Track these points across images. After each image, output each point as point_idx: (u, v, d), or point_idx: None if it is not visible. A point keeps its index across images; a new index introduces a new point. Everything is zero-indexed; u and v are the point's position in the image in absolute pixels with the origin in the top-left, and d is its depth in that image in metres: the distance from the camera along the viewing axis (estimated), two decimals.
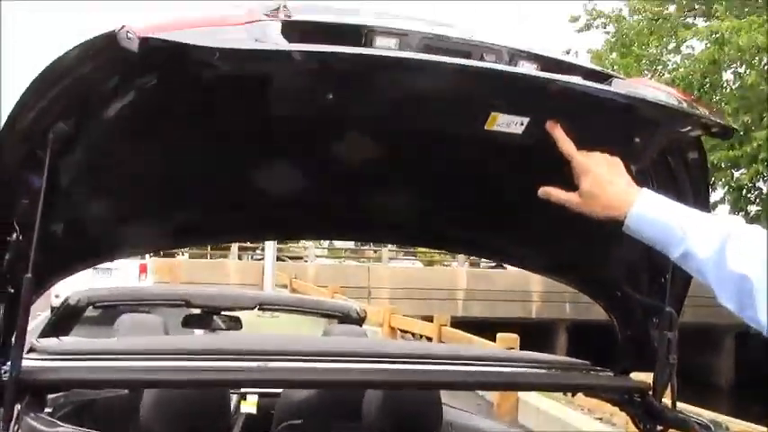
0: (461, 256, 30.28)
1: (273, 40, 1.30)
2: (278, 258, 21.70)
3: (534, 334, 15.32)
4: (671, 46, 19.36)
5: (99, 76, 1.41)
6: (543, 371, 2.30)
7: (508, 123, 1.55)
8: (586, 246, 2.19)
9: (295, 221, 2.07)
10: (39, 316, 4.03)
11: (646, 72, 18.34)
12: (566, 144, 1.50)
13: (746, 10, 16.50)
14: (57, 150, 1.46)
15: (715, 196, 17.35)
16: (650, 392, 2.19)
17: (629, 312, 2.23)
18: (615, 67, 17.15)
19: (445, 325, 11.41)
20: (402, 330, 12.70)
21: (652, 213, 1.40)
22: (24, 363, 1.64)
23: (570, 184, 1.48)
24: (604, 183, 1.44)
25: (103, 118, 1.48)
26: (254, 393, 2.46)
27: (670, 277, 2.04)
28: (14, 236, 1.52)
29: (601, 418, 7.71)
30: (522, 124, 1.55)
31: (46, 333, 2.86)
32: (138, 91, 1.44)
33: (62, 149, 1.48)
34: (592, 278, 2.31)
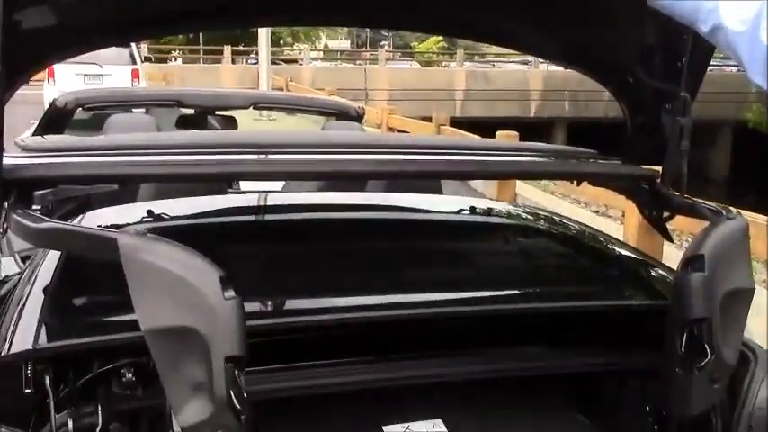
0: (459, 56, 29.74)
1: None
2: (272, 62, 21.22)
3: (533, 132, 15.31)
4: None
5: None
6: (550, 159, 2.24)
7: None
8: (599, 28, 2.05)
9: (294, 1, 1.90)
10: (33, 125, 3.97)
11: None
12: None
13: None
14: None
15: None
16: (659, 180, 2.14)
17: (641, 98, 2.13)
18: None
19: (444, 125, 11.40)
20: (400, 131, 12.69)
21: None
22: (9, 160, 1.57)
23: None
24: None
25: None
26: None
27: (687, 60, 1.93)
28: None
29: (597, 211, 7.85)
30: None
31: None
32: None
33: None
34: (603, 62, 2.19)
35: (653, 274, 2.24)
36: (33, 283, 1.76)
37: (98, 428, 1.48)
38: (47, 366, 1.49)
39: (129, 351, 1.42)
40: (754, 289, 1.79)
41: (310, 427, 1.95)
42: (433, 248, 2.32)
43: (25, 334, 1.52)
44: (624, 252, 2.52)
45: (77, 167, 1.65)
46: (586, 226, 2.68)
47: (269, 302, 1.88)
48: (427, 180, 2.66)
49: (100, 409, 1.50)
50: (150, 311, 1.35)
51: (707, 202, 2.03)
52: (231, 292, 1.36)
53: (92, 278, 1.65)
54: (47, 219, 1.49)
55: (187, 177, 1.83)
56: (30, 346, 1.48)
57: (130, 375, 1.50)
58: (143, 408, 1.55)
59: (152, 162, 1.72)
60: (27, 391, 1.48)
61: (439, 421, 2.03)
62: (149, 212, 2.17)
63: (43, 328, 1.55)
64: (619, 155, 2.24)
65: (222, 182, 2.26)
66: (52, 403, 1.46)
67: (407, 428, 1.99)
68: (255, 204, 2.42)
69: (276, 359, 1.68)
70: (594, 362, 2.01)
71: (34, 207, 1.62)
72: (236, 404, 1.34)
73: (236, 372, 1.35)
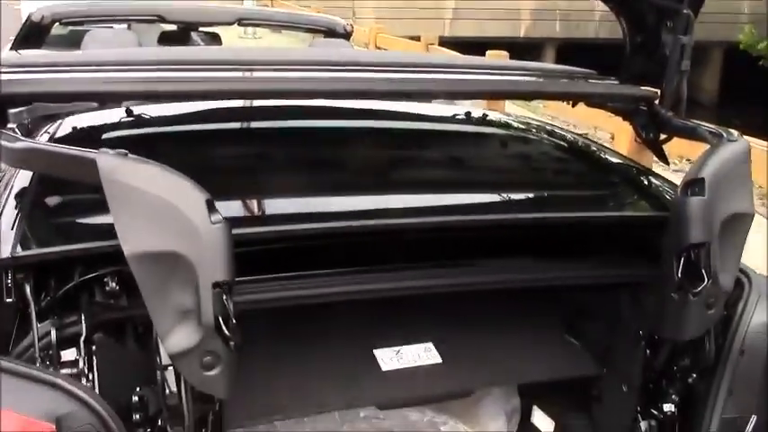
0: None
1: None
2: None
3: (524, 53, 15.09)
4: None
5: None
6: (546, 78, 2.16)
7: None
8: None
9: None
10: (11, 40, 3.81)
11: None
12: None
13: None
14: None
15: None
16: (657, 101, 2.08)
17: (642, 15, 2.05)
18: None
19: (433, 44, 11.17)
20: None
21: None
22: None
23: None
24: None
25: None
26: None
27: None
28: None
29: (586, 133, 7.77)
30: None
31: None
32: None
33: None
34: None
35: (654, 186, 2.18)
36: (11, 190, 1.68)
37: (82, 338, 1.44)
38: (27, 275, 1.44)
39: (112, 259, 1.36)
40: (753, 214, 1.75)
41: (301, 351, 1.93)
42: (427, 155, 2.25)
43: (4, 242, 1.46)
44: (626, 164, 2.45)
45: (53, 83, 1.57)
46: (587, 138, 2.60)
47: (252, 209, 1.82)
48: (419, 99, 2.58)
49: (83, 318, 1.45)
50: (133, 236, 1.30)
51: (708, 125, 1.98)
52: (218, 216, 1.31)
53: (73, 183, 1.57)
54: (21, 138, 1.42)
55: (169, 95, 1.74)
56: (8, 255, 1.41)
57: (114, 284, 1.45)
58: (128, 318, 1.51)
59: (132, 79, 1.63)
60: (8, 300, 1.43)
61: (430, 345, 2.02)
62: (130, 117, 2.07)
63: (23, 235, 1.49)
64: (615, 75, 2.17)
65: (207, 100, 2.16)
66: (34, 312, 1.41)
67: (398, 352, 1.98)
68: (240, 109, 2.33)
69: (263, 269, 1.63)
70: (590, 274, 1.97)
71: (9, 126, 1.54)
72: (225, 330, 1.31)
73: (225, 297, 1.31)
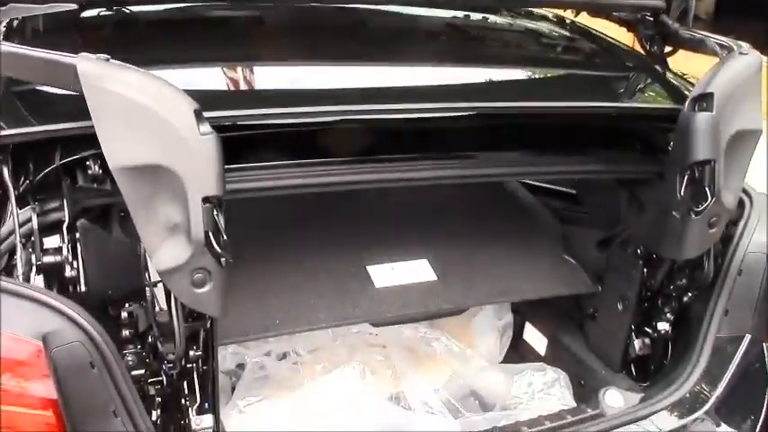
0: None
1: None
2: None
3: None
4: None
5: None
6: None
7: None
8: None
9: None
10: None
11: None
12: None
13: None
14: None
15: None
16: (664, 12, 1.99)
17: None
18: None
19: None
20: None
21: None
22: None
23: None
24: None
25: None
26: None
27: None
28: None
29: None
30: None
31: None
32: None
33: None
34: None
35: (668, 81, 2.04)
36: None
37: (65, 225, 1.38)
38: (5, 157, 1.36)
39: (94, 141, 1.26)
40: (761, 131, 1.69)
41: (293, 267, 1.89)
42: (432, 43, 2.13)
43: None
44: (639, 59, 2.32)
45: None
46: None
47: (244, 96, 1.71)
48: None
49: (66, 204, 1.38)
50: (118, 148, 1.23)
51: (717, 36, 1.89)
52: (207, 127, 1.24)
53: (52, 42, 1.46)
54: None
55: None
56: None
57: (97, 168, 1.36)
58: (113, 204, 1.43)
59: None
60: None
61: (425, 261, 1.98)
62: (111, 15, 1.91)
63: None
64: None
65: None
66: (13, 197, 1.34)
67: (392, 269, 1.95)
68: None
69: (251, 157, 1.53)
70: (595, 168, 1.87)
71: None
72: (216, 246, 1.26)
73: (215, 212, 1.25)
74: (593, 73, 2.17)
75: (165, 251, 1.27)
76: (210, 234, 1.25)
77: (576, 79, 2.11)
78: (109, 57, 1.25)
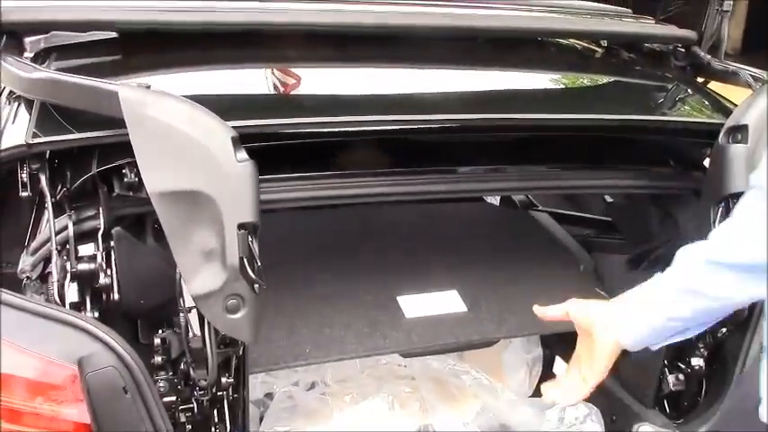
0: None
1: None
2: None
3: None
4: None
5: None
6: (582, 17, 2.06)
7: None
8: None
9: None
10: None
11: None
12: None
13: None
14: None
15: None
16: (696, 42, 1.99)
17: None
18: None
19: None
20: None
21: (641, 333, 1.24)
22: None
23: None
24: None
25: None
26: None
27: None
28: None
29: None
30: None
31: None
32: None
33: None
34: None
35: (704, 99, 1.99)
36: None
37: (100, 233, 1.39)
38: (42, 165, 1.37)
39: (130, 149, 1.26)
40: None
41: (324, 296, 1.89)
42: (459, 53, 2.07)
43: (17, 131, 1.38)
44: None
45: (72, 11, 1.49)
46: None
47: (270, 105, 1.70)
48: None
49: (101, 212, 1.39)
50: (157, 173, 1.24)
51: (750, 68, 1.89)
52: (244, 154, 1.25)
53: (92, 67, 1.47)
54: (39, 67, 1.35)
55: (198, 25, 1.65)
56: (23, 142, 1.32)
57: (133, 176, 1.36)
58: (149, 212, 1.40)
59: (157, 8, 1.56)
60: (23, 194, 1.36)
61: (455, 292, 1.97)
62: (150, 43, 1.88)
63: (37, 123, 1.40)
64: (652, 14, 2.07)
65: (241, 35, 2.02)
66: (50, 205, 1.35)
67: (422, 300, 1.94)
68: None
69: (278, 167, 1.53)
70: (630, 184, 1.84)
71: (26, 55, 1.48)
72: (250, 272, 1.26)
73: (250, 239, 1.26)
74: (625, 83, 2.15)
75: (200, 277, 1.27)
76: (245, 260, 1.26)
77: (609, 90, 2.09)
78: (150, 84, 1.28)
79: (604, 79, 2.20)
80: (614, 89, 2.11)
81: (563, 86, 2.06)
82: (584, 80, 2.15)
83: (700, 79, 2.02)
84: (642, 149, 1.85)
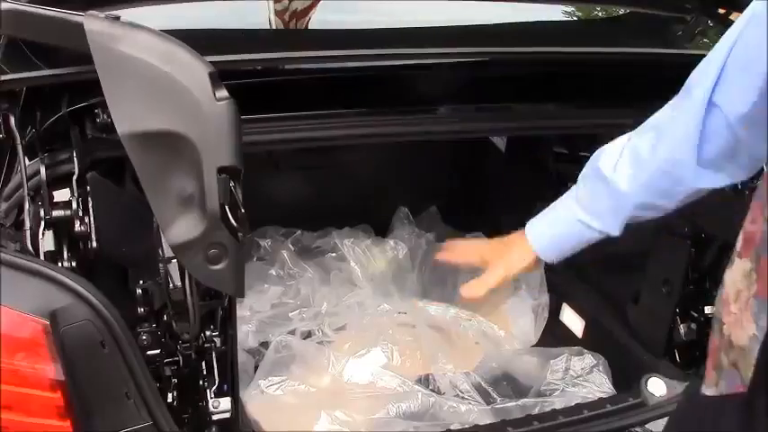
0: None
1: None
2: None
3: None
4: None
5: None
6: None
7: None
8: None
9: None
10: None
11: None
12: None
13: None
14: None
15: None
16: None
17: None
18: None
19: None
20: None
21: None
22: None
23: None
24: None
25: None
26: None
27: None
28: None
29: None
30: None
31: None
32: None
33: None
34: None
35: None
36: None
37: (74, 177, 1.31)
38: (12, 105, 1.29)
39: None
40: None
41: None
42: None
43: None
44: None
45: None
46: None
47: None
48: None
49: (75, 155, 1.31)
50: (127, 113, 1.14)
51: None
52: (224, 92, 1.14)
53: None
54: None
55: None
56: None
57: (106, 116, 1.27)
58: (125, 156, 1.37)
59: None
60: None
61: None
62: None
63: (3, 60, 1.31)
64: None
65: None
66: (20, 148, 1.26)
67: None
68: None
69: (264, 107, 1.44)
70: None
71: None
72: (232, 220, 1.17)
73: (232, 184, 1.16)
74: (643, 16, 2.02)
75: (179, 225, 1.18)
76: (226, 207, 1.16)
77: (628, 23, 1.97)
78: (119, 15, 1.16)
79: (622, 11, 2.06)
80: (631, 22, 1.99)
81: (577, 19, 1.93)
82: (600, 12, 2.02)
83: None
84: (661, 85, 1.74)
